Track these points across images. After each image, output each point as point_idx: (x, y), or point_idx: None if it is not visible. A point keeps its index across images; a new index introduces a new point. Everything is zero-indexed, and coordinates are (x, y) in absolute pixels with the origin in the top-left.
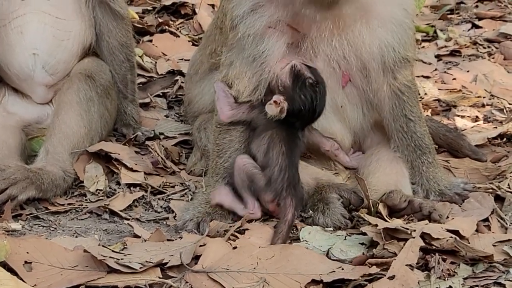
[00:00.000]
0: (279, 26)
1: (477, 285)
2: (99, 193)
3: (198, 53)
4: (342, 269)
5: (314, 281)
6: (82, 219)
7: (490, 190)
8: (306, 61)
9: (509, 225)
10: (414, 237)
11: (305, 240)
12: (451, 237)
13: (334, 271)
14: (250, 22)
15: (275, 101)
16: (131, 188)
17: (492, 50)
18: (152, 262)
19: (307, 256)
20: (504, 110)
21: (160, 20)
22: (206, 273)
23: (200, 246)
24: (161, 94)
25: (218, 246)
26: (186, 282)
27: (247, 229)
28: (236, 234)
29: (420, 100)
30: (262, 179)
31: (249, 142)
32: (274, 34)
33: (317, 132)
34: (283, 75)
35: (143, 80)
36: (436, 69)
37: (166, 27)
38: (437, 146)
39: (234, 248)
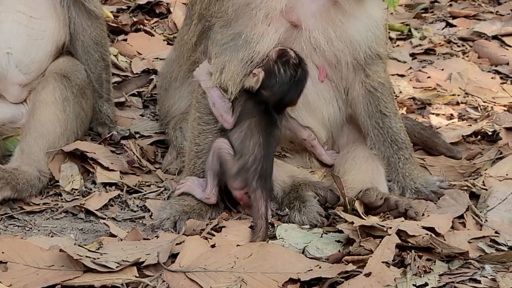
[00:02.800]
0: (276, 22)
1: (452, 282)
2: (74, 192)
3: (173, 64)
4: (320, 267)
5: (291, 280)
6: (57, 219)
7: (465, 188)
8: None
9: (484, 222)
10: (390, 234)
11: (282, 238)
12: (427, 234)
13: (311, 269)
14: (258, 17)
15: (253, 73)
16: (107, 187)
17: (466, 48)
18: (128, 261)
19: (285, 255)
20: (479, 108)
21: (135, 19)
22: (183, 273)
23: (177, 244)
24: (136, 93)
25: (195, 244)
26: (163, 281)
27: (224, 227)
28: (213, 232)
29: (395, 98)
30: (234, 166)
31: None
32: (271, 32)
33: (295, 121)
34: (272, 52)
35: (118, 79)
36: (410, 68)
37: (141, 26)
38: (412, 144)
39: (212, 246)
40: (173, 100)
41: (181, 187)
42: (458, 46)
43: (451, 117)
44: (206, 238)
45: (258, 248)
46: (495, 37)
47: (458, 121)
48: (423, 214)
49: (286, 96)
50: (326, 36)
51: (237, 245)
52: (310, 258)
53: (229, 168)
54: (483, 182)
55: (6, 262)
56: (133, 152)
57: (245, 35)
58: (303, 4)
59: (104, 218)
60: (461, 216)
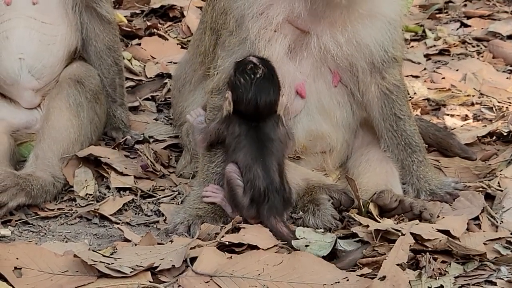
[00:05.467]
0: (283, 29)
1: (468, 284)
2: (88, 197)
3: (186, 65)
4: (347, 279)
5: None
6: (72, 224)
7: (480, 189)
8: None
9: (500, 223)
10: (404, 234)
11: (304, 238)
12: (443, 237)
13: (338, 282)
14: (257, 25)
15: (225, 97)
16: (121, 192)
17: (481, 48)
18: (142, 266)
19: (314, 265)
20: (494, 108)
21: (149, 23)
22: (210, 277)
23: (191, 249)
24: (150, 97)
25: (212, 252)
26: (179, 286)
27: (243, 228)
28: (231, 234)
29: (410, 100)
30: (244, 199)
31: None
32: (279, 37)
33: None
34: (231, 67)
35: (132, 83)
36: (425, 69)
37: (155, 30)
38: (427, 146)
39: (234, 252)
40: (186, 102)
41: (211, 196)
42: (473, 47)
43: (466, 118)
44: (221, 246)
45: (289, 256)
46: (510, 37)
47: (473, 122)
48: (438, 216)
49: (257, 99)
50: (336, 41)
51: (267, 249)
52: (340, 268)
53: (239, 202)
54: (498, 183)
55: (20, 268)
56: (147, 157)
57: (250, 41)
58: (308, 12)
59: (118, 223)
60: (477, 218)
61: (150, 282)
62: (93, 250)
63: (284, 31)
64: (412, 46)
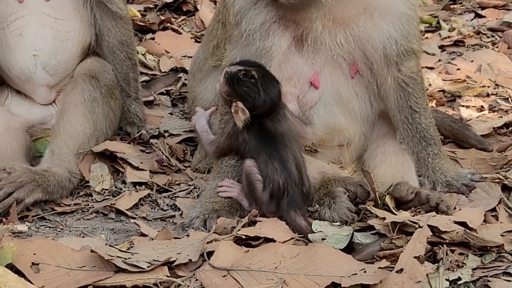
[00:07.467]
0: (283, 21)
1: (486, 276)
2: (105, 192)
3: (200, 50)
4: (365, 271)
5: (333, 284)
6: (88, 219)
7: (497, 180)
8: (233, 62)
9: None
10: (421, 227)
11: (321, 231)
12: (460, 229)
13: (355, 274)
14: (253, 17)
15: (234, 110)
16: (137, 187)
17: (496, 39)
18: (159, 261)
19: (331, 256)
20: (509, 99)
21: (162, 18)
22: (227, 271)
23: (208, 243)
24: (164, 91)
25: (231, 245)
26: (196, 280)
27: (259, 221)
28: (247, 227)
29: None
30: (263, 195)
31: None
32: (278, 29)
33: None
34: (220, 87)
35: (146, 78)
36: (440, 60)
37: (168, 24)
38: (442, 137)
39: (251, 244)
40: (199, 89)
41: (226, 190)
42: (488, 37)
43: (481, 109)
44: (238, 240)
45: (306, 248)
46: None
47: (489, 112)
48: (454, 208)
49: (270, 95)
50: (335, 39)
51: (284, 242)
52: (359, 260)
53: (259, 197)
54: None
55: (38, 264)
56: (162, 151)
57: (248, 33)
58: (307, 9)
59: (134, 218)
60: (494, 209)
61: (167, 276)
62: (110, 245)
63: (284, 23)
64: (427, 38)
